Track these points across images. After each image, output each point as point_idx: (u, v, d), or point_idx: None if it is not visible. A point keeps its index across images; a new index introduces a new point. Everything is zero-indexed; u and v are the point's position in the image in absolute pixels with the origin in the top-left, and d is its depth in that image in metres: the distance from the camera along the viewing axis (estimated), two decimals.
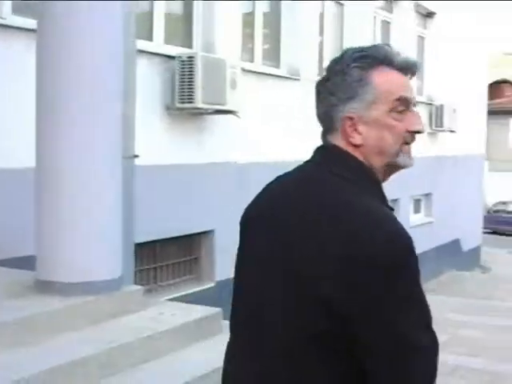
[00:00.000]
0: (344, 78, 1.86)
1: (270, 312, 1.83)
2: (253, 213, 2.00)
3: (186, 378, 3.95)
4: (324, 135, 1.94)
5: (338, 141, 1.89)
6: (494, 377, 5.14)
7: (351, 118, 1.85)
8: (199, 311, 4.87)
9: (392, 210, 1.83)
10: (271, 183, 2.02)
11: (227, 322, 5.42)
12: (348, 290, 1.66)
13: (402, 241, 1.71)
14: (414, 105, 1.89)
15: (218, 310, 4.95)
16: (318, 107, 1.93)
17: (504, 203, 28.27)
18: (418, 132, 1.87)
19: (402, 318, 1.68)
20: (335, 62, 1.90)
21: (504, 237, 24.11)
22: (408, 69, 1.88)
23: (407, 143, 1.87)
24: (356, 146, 1.86)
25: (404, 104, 1.84)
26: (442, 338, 6.53)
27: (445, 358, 7.27)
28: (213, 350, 4.41)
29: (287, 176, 1.98)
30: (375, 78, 1.84)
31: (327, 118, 1.91)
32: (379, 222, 1.72)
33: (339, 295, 1.67)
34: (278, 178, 2.01)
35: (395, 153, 1.86)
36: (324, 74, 1.94)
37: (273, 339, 1.82)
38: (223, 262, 7.56)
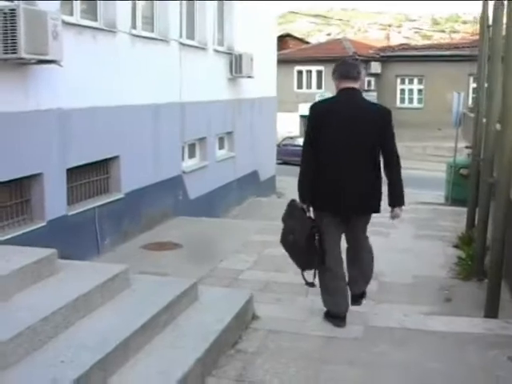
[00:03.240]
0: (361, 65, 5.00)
1: (357, 144, 4.67)
2: (332, 109, 4.75)
3: (28, 322, 3.47)
4: (350, 82, 4.74)
5: (356, 85, 4.77)
6: (303, 288, 5.24)
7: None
8: (35, 254, 4.30)
9: None
10: (327, 101, 5.09)
11: (62, 261, 4.95)
12: (384, 129, 4.77)
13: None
14: None
15: (53, 250, 4.45)
16: (352, 71, 4.76)
17: (291, 138, 29.09)
18: None
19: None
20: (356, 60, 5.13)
21: (292, 166, 24.74)
22: None
23: None
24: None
25: None
26: (252, 258, 6.55)
27: (257, 276, 7.28)
28: (51, 291, 4.03)
29: (336, 98, 4.85)
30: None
31: (358, 76, 4.74)
32: (381, 106, 5.03)
33: (382, 131, 4.75)
34: (331, 99, 4.99)
35: None
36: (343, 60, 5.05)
37: (360, 154, 4.71)
38: (52, 202, 7.10)
